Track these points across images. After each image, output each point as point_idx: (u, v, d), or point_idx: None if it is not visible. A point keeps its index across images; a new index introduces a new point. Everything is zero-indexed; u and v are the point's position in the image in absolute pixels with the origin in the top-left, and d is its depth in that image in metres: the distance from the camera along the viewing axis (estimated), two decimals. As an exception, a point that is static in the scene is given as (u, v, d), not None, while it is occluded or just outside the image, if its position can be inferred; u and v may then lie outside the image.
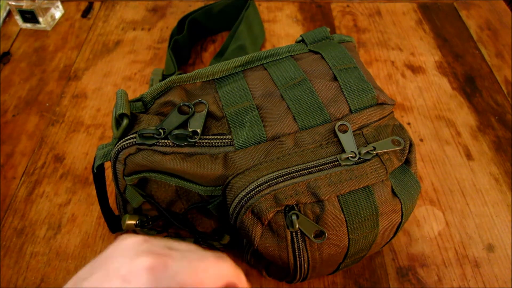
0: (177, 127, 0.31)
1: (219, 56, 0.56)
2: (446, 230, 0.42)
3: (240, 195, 0.29)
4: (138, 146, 0.30)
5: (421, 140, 0.50)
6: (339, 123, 0.31)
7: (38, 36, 0.62)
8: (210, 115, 0.33)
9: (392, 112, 0.35)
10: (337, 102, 0.33)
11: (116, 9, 0.67)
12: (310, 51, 0.38)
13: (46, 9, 0.62)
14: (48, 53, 0.60)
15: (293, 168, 0.29)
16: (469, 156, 0.49)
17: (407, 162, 0.33)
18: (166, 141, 0.31)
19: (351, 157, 0.30)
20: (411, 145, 0.33)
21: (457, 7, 0.69)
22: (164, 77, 0.54)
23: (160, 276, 0.19)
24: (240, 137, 0.31)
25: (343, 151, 0.30)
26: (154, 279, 0.19)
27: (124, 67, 0.58)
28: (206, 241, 0.37)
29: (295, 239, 0.29)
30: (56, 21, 0.65)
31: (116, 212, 0.40)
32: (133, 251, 0.20)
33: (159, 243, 0.21)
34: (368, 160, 0.30)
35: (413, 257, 0.40)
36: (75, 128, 0.50)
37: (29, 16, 0.61)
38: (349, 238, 0.30)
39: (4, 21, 0.65)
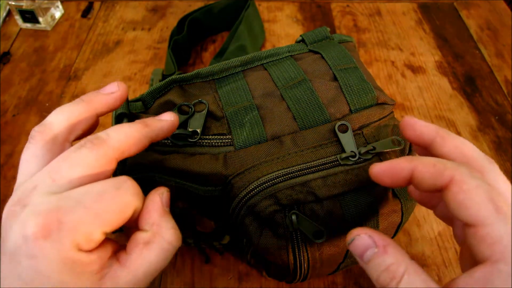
0: (177, 127, 0.31)
1: (219, 56, 0.56)
2: (446, 230, 0.42)
3: (240, 195, 0.29)
4: (138, 146, 0.30)
5: (421, 140, 0.50)
6: (339, 123, 0.31)
7: (38, 36, 0.62)
8: (210, 115, 0.33)
9: (392, 112, 0.35)
10: (337, 102, 0.33)
11: (116, 9, 0.67)
12: (310, 51, 0.38)
13: (46, 9, 0.62)
14: (48, 53, 0.60)
15: (293, 168, 0.29)
16: (469, 156, 0.49)
17: (407, 162, 0.32)
18: (165, 141, 0.31)
19: (351, 156, 0.30)
20: (411, 145, 0.33)
21: (457, 7, 0.69)
22: (164, 77, 0.54)
23: (54, 237, 0.18)
24: (240, 137, 0.31)
25: (343, 151, 0.30)
26: (47, 246, 0.17)
27: (124, 67, 0.58)
28: (206, 241, 0.36)
29: (295, 239, 0.29)
30: (56, 21, 0.65)
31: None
32: (17, 220, 0.18)
33: (44, 200, 0.19)
34: (368, 160, 0.30)
35: (413, 257, 0.40)
36: (75, 128, 0.50)
37: (29, 16, 0.61)
38: (349, 238, 0.30)
39: (4, 21, 0.65)
